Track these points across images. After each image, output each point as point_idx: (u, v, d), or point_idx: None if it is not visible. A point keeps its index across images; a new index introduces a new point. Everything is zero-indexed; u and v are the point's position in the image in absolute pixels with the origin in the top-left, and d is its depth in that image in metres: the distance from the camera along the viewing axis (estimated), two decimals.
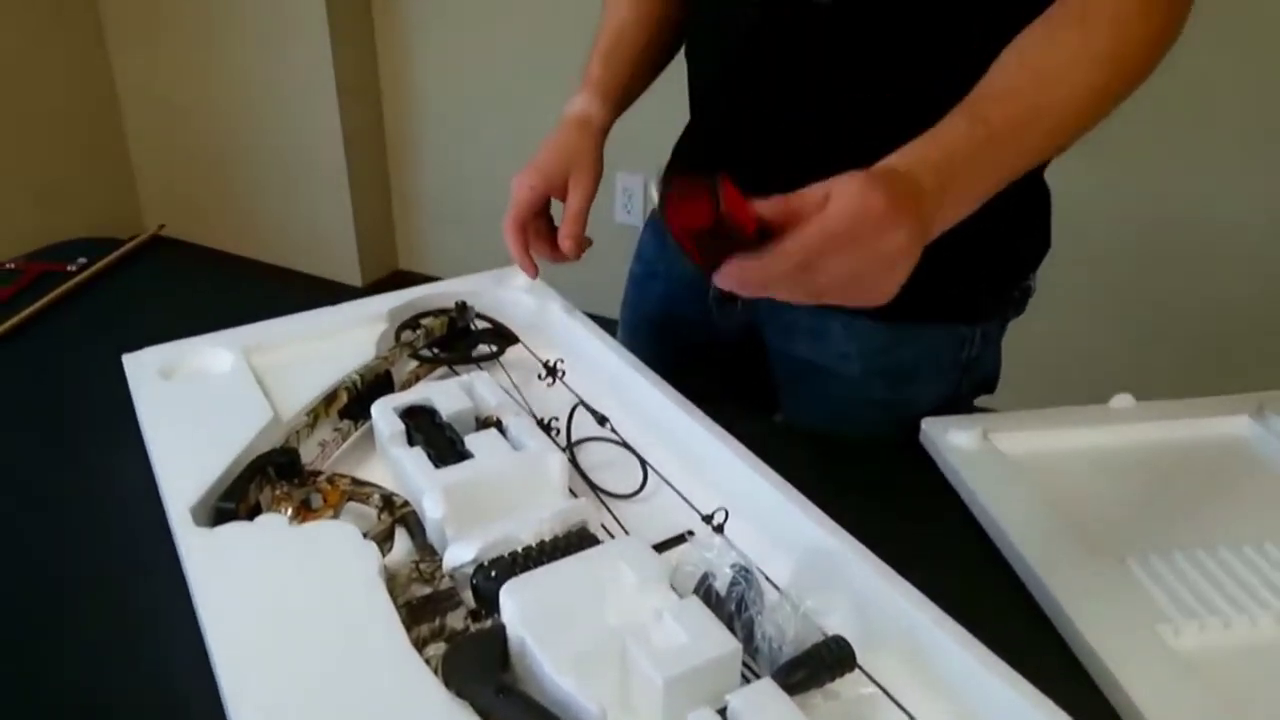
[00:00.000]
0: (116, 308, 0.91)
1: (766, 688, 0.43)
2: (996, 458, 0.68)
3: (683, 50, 0.83)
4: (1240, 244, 1.77)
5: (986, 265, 0.75)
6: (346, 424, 0.65)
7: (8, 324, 0.85)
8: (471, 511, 0.54)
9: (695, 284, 0.83)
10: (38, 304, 0.88)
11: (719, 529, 0.55)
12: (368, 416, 0.65)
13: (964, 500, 0.66)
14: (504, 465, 0.58)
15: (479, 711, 0.43)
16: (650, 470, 0.62)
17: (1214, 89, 1.68)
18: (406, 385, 0.71)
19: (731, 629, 0.46)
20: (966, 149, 0.54)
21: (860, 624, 0.48)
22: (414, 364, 0.72)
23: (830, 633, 0.47)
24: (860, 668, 0.46)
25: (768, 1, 0.68)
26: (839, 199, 0.47)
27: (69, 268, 0.96)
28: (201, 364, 0.69)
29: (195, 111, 2.58)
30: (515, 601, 0.47)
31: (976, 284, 0.76)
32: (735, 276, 0.48)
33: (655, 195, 0.48)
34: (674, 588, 0.49)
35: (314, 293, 0.88)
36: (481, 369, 0.71)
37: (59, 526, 0.61)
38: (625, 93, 0.79)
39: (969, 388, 0.80)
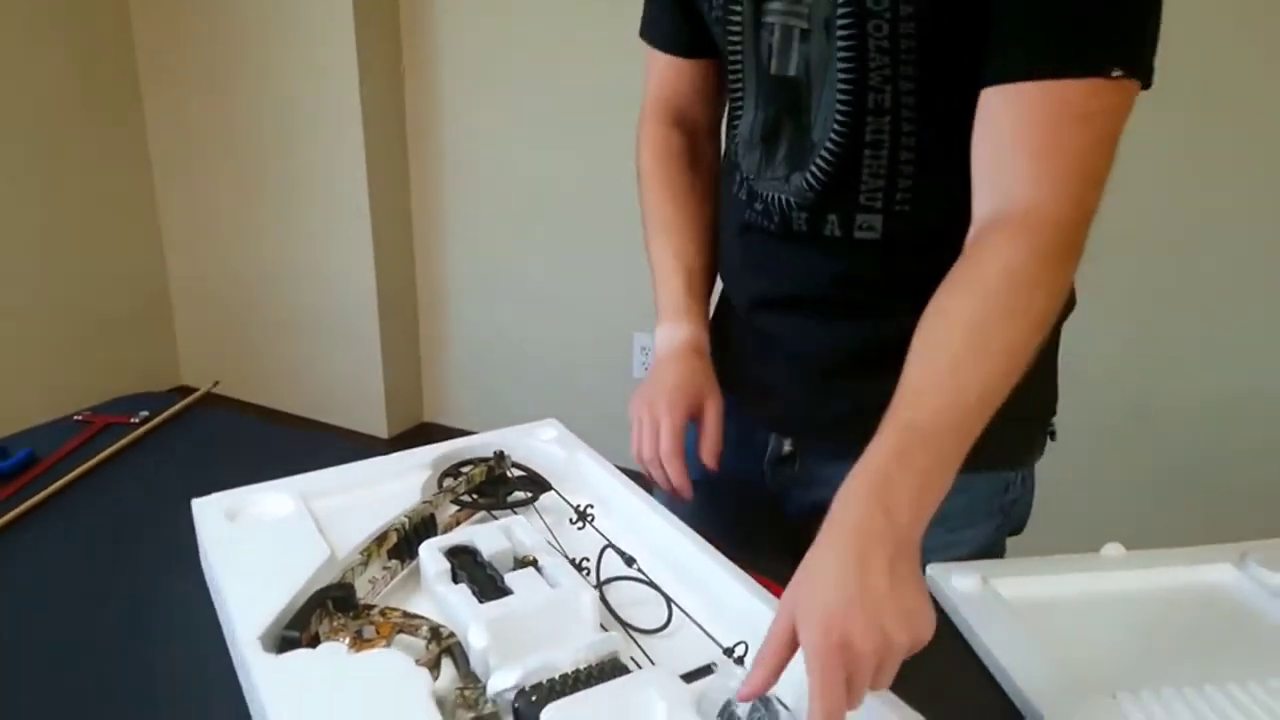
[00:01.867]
0: (173, 457, 0.98)
1: None
2: (996, 601, 0.73)
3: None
4: (1230, 400, 1.86)
5: (1024, 410, 0.81)
6: (395, 563, 0.71)
7: (76, 472, 0.92)
8: (512, 643, 0.60)
9: (750, 453, 0.91)
10: (106, 452, 0.96)
11: (739, 660, 0.60)
12: (415, 555, 0.71)
13: (966, 639, 0.71)
14: (541, 601, 0.63)
15: None
16: (674, 607, 0.67)
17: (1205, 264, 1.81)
18: (449, 528, 0.77)
19: None
20: (891, 457, 0.57)
21: None
22: (455, 508, 0.79)
23: None
24: None
25: (822, 239, 0.77)
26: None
27: (132, 419, 1.05)
28: (264, 508, 0.76)
29: (236, 271, 2.75)
30: None
31: (1018, 429, 0.81)
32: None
33: None
34: (699, 715, 0.54)
35: (348, 442, 0.96)
36: (517, 513, 0.78)
37: (126, 655, 0.67)
38: (705, 270, 0.89)
39: (1008, 529, 0.86)
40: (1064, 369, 0.85)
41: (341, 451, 0.87)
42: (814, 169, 0.74)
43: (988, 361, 0.60)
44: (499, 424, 0.89)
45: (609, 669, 0.58)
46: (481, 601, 0.63)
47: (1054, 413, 0.86)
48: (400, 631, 0.63)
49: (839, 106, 0.71)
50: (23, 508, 0.85)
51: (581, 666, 0.58)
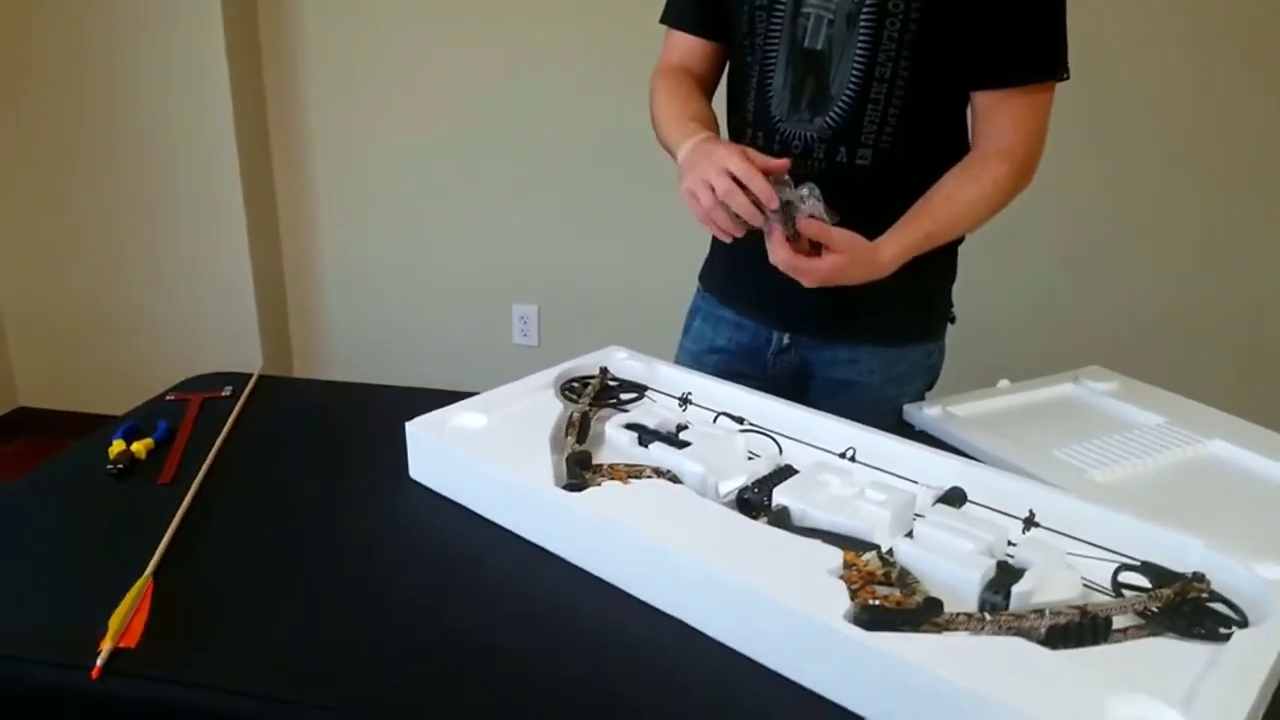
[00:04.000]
0: (284, 417, 1.17)
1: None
2: (956, 419, 1.14)
3: None
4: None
5: (939, 304, 1.25)
6: (571, 440, 0.99)
7: (223, 434, 1.09)
8: (711, 468, 0.90)
9: (752, 351, 1.26)
10: (232, 416, 1.13)
11: (852, 459, 0.95)
12: (585, 438, 0.99)
13: (946, 441, 1.10)
14: (715, 443, 0.94)
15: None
16: (779, 442, 1.01)
17: None
18: (582, 422, 1.04)
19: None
20: (915, 245, 1.06)
21: None
22: (587, 408, 1.06)
23: None
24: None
25: (829, 166, 1.13)
26: (827, 267, 1.02)
27: (223, 394, 1.21)
28: (462, 423, 1.00)
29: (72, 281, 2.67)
30: (787, 496, 0.84)
31: (936, 316, 1.25)
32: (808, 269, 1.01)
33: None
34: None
35: (407, 397, 1.19)
36: (630, 410, 1.07)
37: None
38: None
39: (930, 383, 1.27)
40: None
41: (411, 399, 1.08)
42: (833, 114, 1.11)
43: (969, 214, 1.08)
44: (401, 374, 1.17)
45: (786, 471, 0.90)
46: (680, 449, 0.93)
47: (952, 303, 1.28)
48: (630, 476, 0.91)
49: (854, 74, 1.08)
50: (206, 465, 1.02)
51: (765, 473, 0.90)
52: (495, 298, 2.68)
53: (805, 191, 1.00)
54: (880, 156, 1.12)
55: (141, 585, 0.78)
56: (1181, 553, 0.79)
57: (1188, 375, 2.40)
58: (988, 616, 0.69)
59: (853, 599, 0.71)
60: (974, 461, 0.93)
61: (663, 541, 0.78)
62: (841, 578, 0.74)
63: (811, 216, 1.01)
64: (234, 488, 0.98)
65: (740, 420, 1.04)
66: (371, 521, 0.92)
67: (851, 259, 1.02)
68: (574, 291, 2.64)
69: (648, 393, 1.11)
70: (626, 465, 0.93)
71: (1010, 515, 0.85)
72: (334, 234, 2.73)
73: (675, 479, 0.91)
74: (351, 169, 2.65)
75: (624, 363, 1.17)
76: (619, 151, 2.48)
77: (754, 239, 1.05)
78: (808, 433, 1.01)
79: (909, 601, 0.72)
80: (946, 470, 0.92)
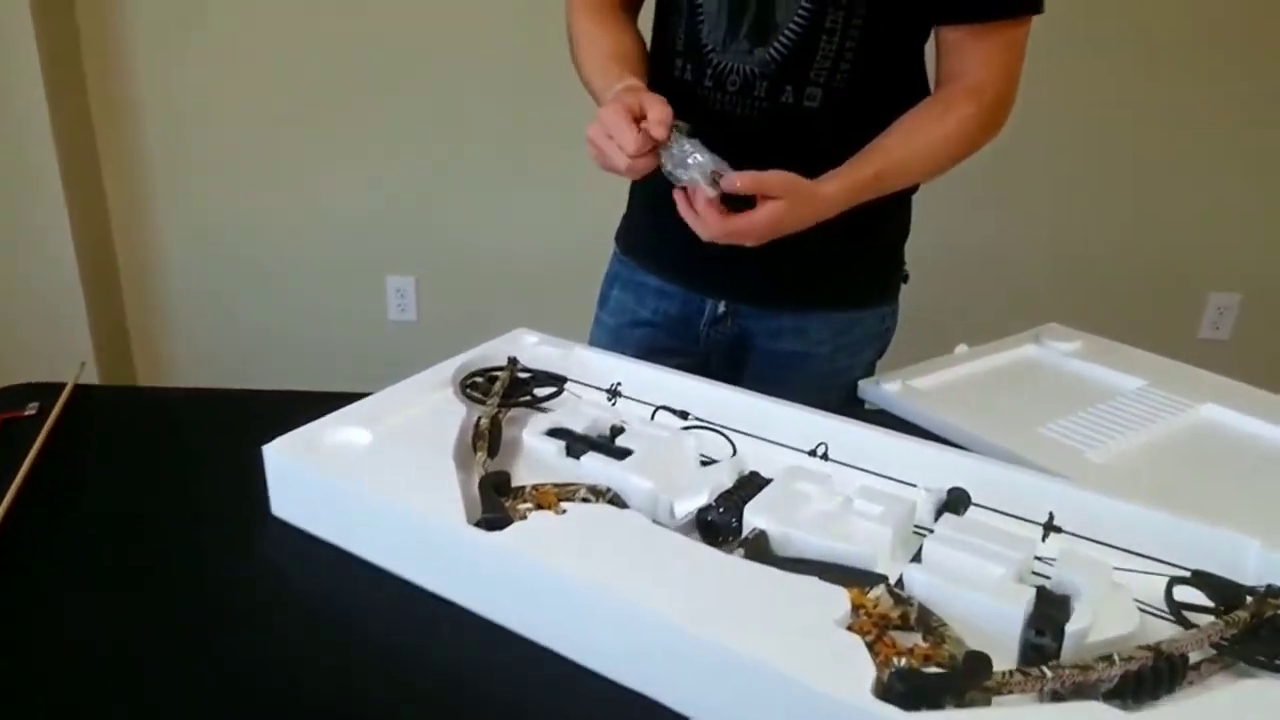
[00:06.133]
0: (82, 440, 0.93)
1: None
2: (918, 392, 0.99)
3: None
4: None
5: (894, 261, 1.10)
6: (482, 455, 0.79)
7: (29, 458, 0.85)
8: (662, 484, 0.73)
9: (682, 323, 1.08)
10: (40, 437, 0.88)
11: (824, 457, 0.79)
12: (498, 450, 0.80)
13: (909, 419, 0.96)
14: (659, 448, 0.77)
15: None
16: (733, 439, 0.84)
17: None
18: (493, 430, 0.84)
19: None
20: (863, 185, 0.91)
21: None
22: (494, 410, 0.87)
23: None
24: None
25: (771, 107, 0.95)
26: (766, 216, 0.87)
27: (26, 412, 0.95)
28: (340, 439, 0.79)
29: None
30: (757, 516, 0.67)
31: (889, 277, 1.10)
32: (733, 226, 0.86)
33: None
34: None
35: (264, 399, 0.95)
36: (549, 409, 0.88)
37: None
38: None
39: (881, 351, 1.12)
40: None
41: (273, 407, 0.88)
42: (778, 44, 0.93)
43: (928, 157, 0.94)
44: (253, 382, 0.97)
45: (753, 482, 0.73)
46: (620, 459, 0.75)
47: (904, 261, 1.14)
48: (561, 500, 0.73)
49: None
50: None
51: (729, 485, 0.73)
52: (366, 269, 2.40)
53: (689, 147, 0.87)
54: (832, 97, 0.95)
55: None
56: (1235, 555, 0.66)
57: (1133, 330, 2.36)
58: (1048, 673, 0.54)
59: (873, 657, 0.55)
60: (962, 451, 0.79)
61: (619, 593, 0.60)
62: (850, 627, 0.58)
63: (716, 173, 0.86)
64: (32, 544, 0.74)
65: (684, 415, 0.87)
66: (225, 575, 0.71)
67: (791, 202, 0.87)
68: (457, 259, 2.39)
69: (568, 385, 0.92)
70: (555, 486, 0.74)
71: (1024, 519, 0.71)
72: (174, 205, 2.39)
73: (618, 500, 0.73)
74: (190, 126, 2.31)
75: (536, 349, 0.97)
76: (507, 93, 2.24)
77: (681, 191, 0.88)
78: (766, 426, 0.85)
79: (940, 653, 0.57)
80: (935, 464, 0.77)
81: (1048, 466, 0.83)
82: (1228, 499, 0.81)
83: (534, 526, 0.67)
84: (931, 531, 0.67)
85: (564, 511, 0.69)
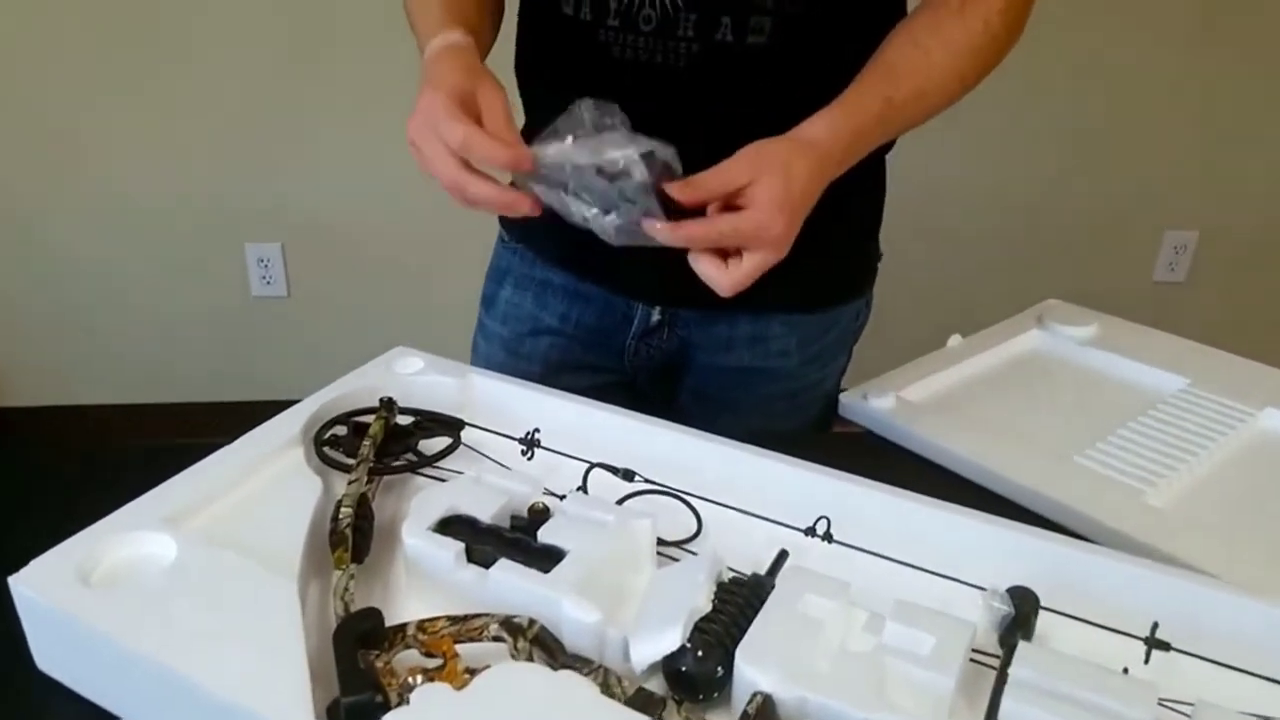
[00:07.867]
0: None
1: None
2: (916, 408, 0.79)
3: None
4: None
5: (871, 247, 0.88)
6: (353, 566, 0.55)
7: None
8: (610, 605, 0.50)
9: (602, 335, 0.84)
10: None
11: (828, 537, 0.57)
12: (367, 552, 0.56)
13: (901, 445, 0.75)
14: (601, 542, 0.54)
15: None
16: (698, 508, 0.62)
17: None
18: (360, 521, 0.60)
19: None
20: (871, 123, 0.66)
21: None
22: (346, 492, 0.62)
23: None
24: None
25: (703, 49, 0.70)
26: (763, 204, 0.60)
27: None
28: (132, 553, 0.53)
29: None
30: (757, 668, 0.45)
31: (867, 260, 0.88)
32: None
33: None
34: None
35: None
36: (439, 475, 0.64)
37: None
38: (479, 37, 0.69)
39: (851, 351, 0.91)
40: None
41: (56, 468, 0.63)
42: None
43: (950, 75, 0.69)
44: (108, 382, 0.71)
45: (740, 596, 0.51)
46: (545, 571, 0.52)
47: (878, 242, 0.92)
48: (459, 641, 0.50)
49: None
50: None
51: (706, 608, 0.51)
52: (222, 237, 2.05)
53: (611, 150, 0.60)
54: (786, 29, 0.70)
55: None
56: None
57: (1086, 274, 2.21)
58: None
59: None
60: (1004, 521, 0.58)
61: None
62: None
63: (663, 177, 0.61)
64: None
65: (630, 476, 0.64)
66: None
67: (778, 170, 0.61)
68: (329, 222, 2.06)
69: (465, 432, 0.68)
70: (451, 621, 0.50)
71: (1112, 630, 0.51)
72: None
73: (545, 641, 0.50)
74: None
75: (418, 380, 0.72)
76: (372, 20, 1.91)
77: None
78: (735, 483, 0.63)
79: None
80: (974, 541, 0.57)
81: (1102, 520, 0.64)
82: None
83: (421, 714, 0.44)
84: (1002, 670, 0.46)
85: (466, 678, 0.46)
